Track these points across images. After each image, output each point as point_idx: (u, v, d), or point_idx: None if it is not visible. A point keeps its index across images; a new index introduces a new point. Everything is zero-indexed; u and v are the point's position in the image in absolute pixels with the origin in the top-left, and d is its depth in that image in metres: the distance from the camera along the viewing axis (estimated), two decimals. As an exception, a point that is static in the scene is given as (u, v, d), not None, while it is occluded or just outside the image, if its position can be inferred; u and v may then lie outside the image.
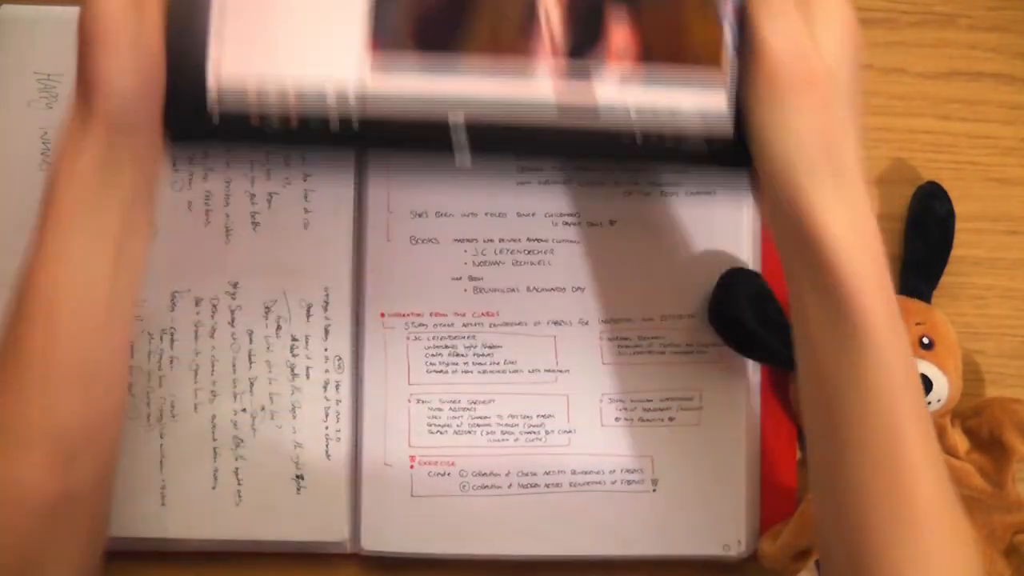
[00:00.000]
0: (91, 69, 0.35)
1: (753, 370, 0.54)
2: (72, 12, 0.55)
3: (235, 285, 0.54)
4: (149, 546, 0.54)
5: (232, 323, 0.54)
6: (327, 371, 0.53)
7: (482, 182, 0.54)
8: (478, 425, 0.53)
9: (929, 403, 0.49)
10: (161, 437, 0.53)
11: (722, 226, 0.54)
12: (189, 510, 0.53)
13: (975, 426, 0.51)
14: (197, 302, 0.54)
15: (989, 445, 0.50)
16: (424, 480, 0.53)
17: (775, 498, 0.53)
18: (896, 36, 0.57)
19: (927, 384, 0.49)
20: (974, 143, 0.56)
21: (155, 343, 0.53)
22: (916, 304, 0.52)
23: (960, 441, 0.51)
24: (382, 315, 0.53)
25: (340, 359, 0.53)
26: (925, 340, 0.50)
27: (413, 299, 0.53)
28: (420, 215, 0.54)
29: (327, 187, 0.54)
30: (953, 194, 0.55)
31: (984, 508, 0.50)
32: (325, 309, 0.53)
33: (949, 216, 0.53)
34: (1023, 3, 0.57)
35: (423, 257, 0.53)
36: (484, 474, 0.53)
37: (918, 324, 0.50)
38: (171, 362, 0.53)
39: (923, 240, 0.53)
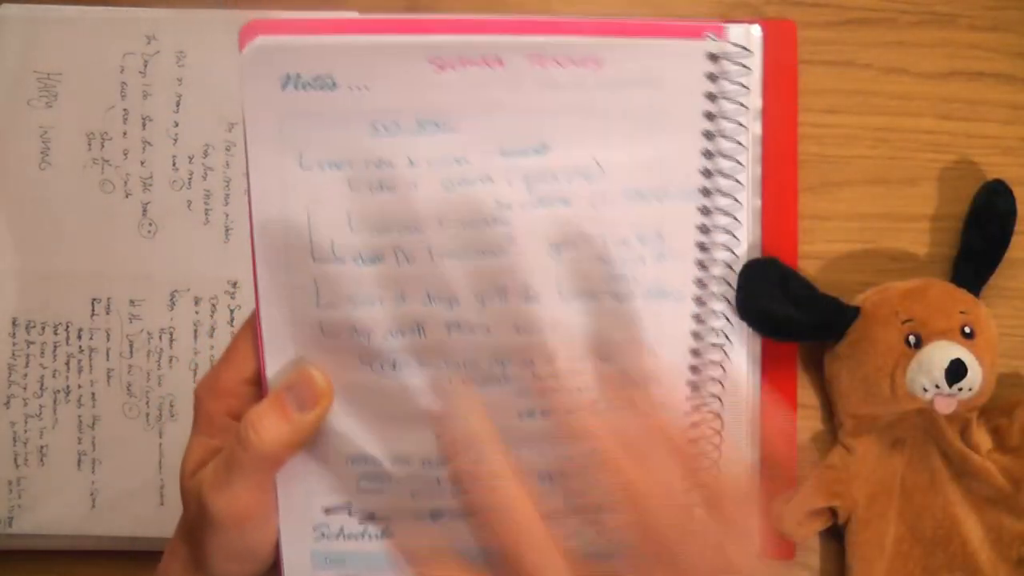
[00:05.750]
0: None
1: (752, 368, 0.53)
2: (72, 12, 0.56)
3: (234, 285, 0.54)
4: (149, 546, 0.53)
5: (231, 323, 0.54)
6: (326, 371, 0.53)
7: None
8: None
9: (960, 389, 0.49)
10: (160, 437, 0.53)
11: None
12: (188, 510, 0.53)
13: (1003, 427, 0.51)
14: (197, 302, 0.54)
15: (1018, 448, 0.50)
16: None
17: (775, 494, 0.53)
18: (896, 36, 0.57)
19: (961, 369, 0.48)
20: (974, 143, 0.56)
21: (155, 342, 0.53)
22: (963, 294, 0.52)
23: (983, 440, 0.51)
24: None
25: (340, 359, 0.53)
26: (967, 329, 0.50)
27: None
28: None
29: (327, 187, 0.54)
30: (952, 194, 0.55)
31: (997, 511, 0.50)
32: (325, 309, 0.53)
33: (1010, 214, 0.53)
34: (1023, 3, 0.57)
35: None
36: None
37: (962, 312, 0.50)
38: (170, 362, 0.53)
39: (980, 234, 0.53)
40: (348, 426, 0.33)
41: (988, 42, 0.57)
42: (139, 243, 0.54)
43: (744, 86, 0.31)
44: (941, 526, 0.51)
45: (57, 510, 0.53)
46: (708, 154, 0.31)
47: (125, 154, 0.55)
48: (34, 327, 0.54)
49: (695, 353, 0.33)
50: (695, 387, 0.33)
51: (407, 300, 0.32)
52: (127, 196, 0.54)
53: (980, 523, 0.51)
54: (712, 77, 0.31)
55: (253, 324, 0.33)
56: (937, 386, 0.49)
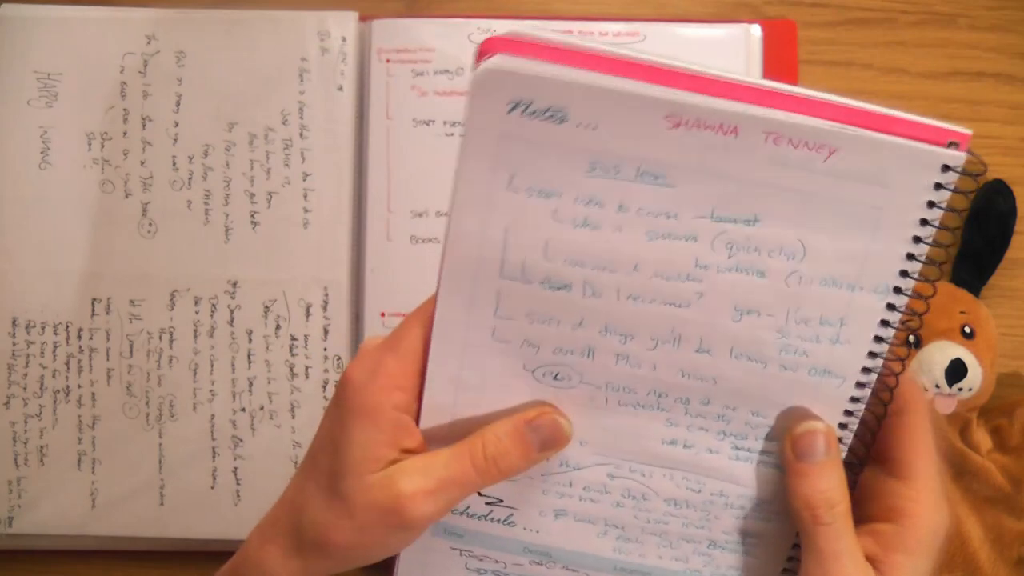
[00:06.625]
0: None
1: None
2: (72, 12, 0.56)
3: (234, 285, 0.54)
4: (148, 545, 0.54)
5: (231, 323, 0.54)
6: (326, 371, 0.53)
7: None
8: None
9: (960, 389, 0.49)
10: (160, 437, 0.53)
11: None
12: (188, 510, 0.53)
13: (1003, 427, 0.51)
14: (196, 302, 0.54)
15: (1018, 448, 0.50)
16: None
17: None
18: (896, 36, 0.57)
19: (961, 369, 0.49)
20: (974, 143, 0.56)
21: (154, 342, 0.53)
22: (964, 294, 0.52)
23: (983, 439, 0.51)
24: (382, 315, 0.53)
25: (339, 359, 0.53)
26: (967, 329, 0.50)
27: (413, 299, 0.52)
28: (420, 215, 0.54)
29: (327, 187, 0.54)
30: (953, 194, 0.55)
31: (996, 510, 0.50)
32: (324, 309, 0.53)
33: (1010, 214, 0.53)
34: (1023, 3, 0.57)
35: (423, 257, 0.53)
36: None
37: (962, 312, 0.51)
38: (170, 361, 0.53)
39: (980, 234, 0.53)
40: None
41: (988, 42, 0.57)
42: (139, 243, 0.54)
43: (965, 195, 0.31)
44: (941, 526, 0.51)
45: (57, 510, 0.53)
46: (911, 257, 0.32)
47: (125, 154, 0.55)
48: (34, 327, 0.54)
49: (843, 427, 0.34)
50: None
51: (584, 326, 0.32)
52: (127, 196, 0.54)
53: (980, 523, 0.50)
54: (938, 187, 0.31)
55: (420, 317, 0.34)
56: (937, 386, 0.49)
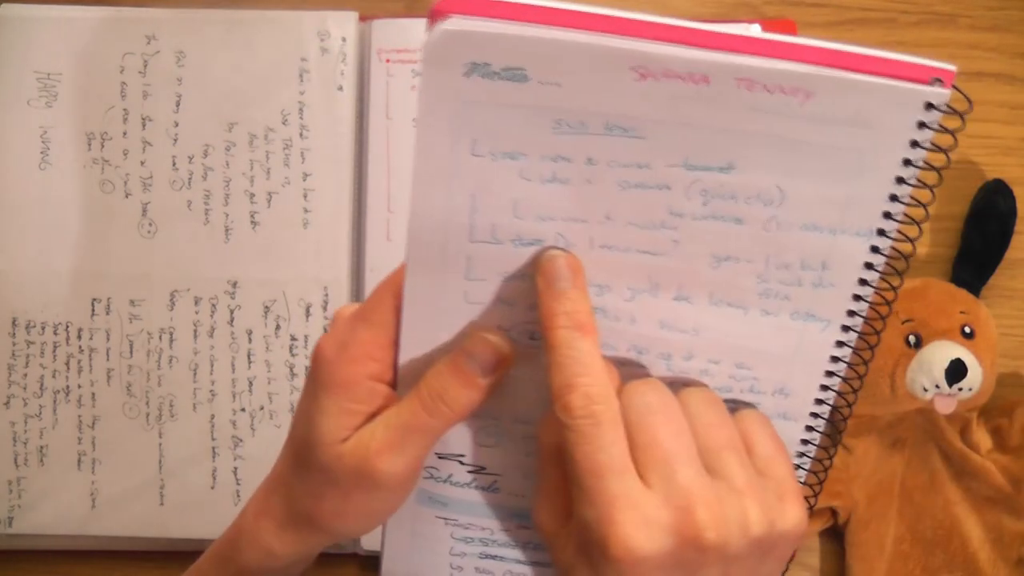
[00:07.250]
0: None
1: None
2: (72, 12, 0.56)
3: (234, 285, 0.54)
4: (148, 546, 0.54)
5: (231, 323, 0.54)
6: (326, 371, 0.53)
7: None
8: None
9: (960, 389, 0.49)
10: (160, 437, 0.53)
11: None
12: (188, 510, 0.53)
13: (1003, 427, 0.51)
14: (196, 302, 0.54)
15: (1018, 448, 0.50)
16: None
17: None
18: (896, 36, 0.57)
19: (961, 369, 0.49)
20: (974, 143, 0.56)
21: (154, 342, 0.53)
22: (964, 294, 0.52)
23: (983, 439, 0.51)
24: (381, 315, 0.53)
25: (339, 359, 0.53)
26: (967, 329, 0.50)
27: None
28: (420, 215, 0.54)
29: (327, 187, 0.54)
30: (952, 194, 0.55)
31: (996, 510, 0.50)
32: (324, 309, 0.53)
33: (1010, 214, 0.53)
34: (1023, 3, 0.57)
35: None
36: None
37: (962, 312, 0.51)
38: (170, 361, 0.53)
39: (980, 234, 0.53)
40: None
41: (988, 42, 0.57)
42: (139, 243, 0.54)
43: (954, 137, 0.30)
44: (941, 526, 0.51)
45: (57, 510, 0.53)
46: (894, 198, 0.31)
47: (125, 154, 0.55)
48: (34, 327, 0.54)
49: (830, 375, 0.34)
50: (820, 403, 0.34)
51: None
52: (127, 196, 0.54)
53: (980, 523, 0.51)
54: (921, 126, 0.29)
55: (391, 288, 0.33)
56: (937, 386, 0.49)
